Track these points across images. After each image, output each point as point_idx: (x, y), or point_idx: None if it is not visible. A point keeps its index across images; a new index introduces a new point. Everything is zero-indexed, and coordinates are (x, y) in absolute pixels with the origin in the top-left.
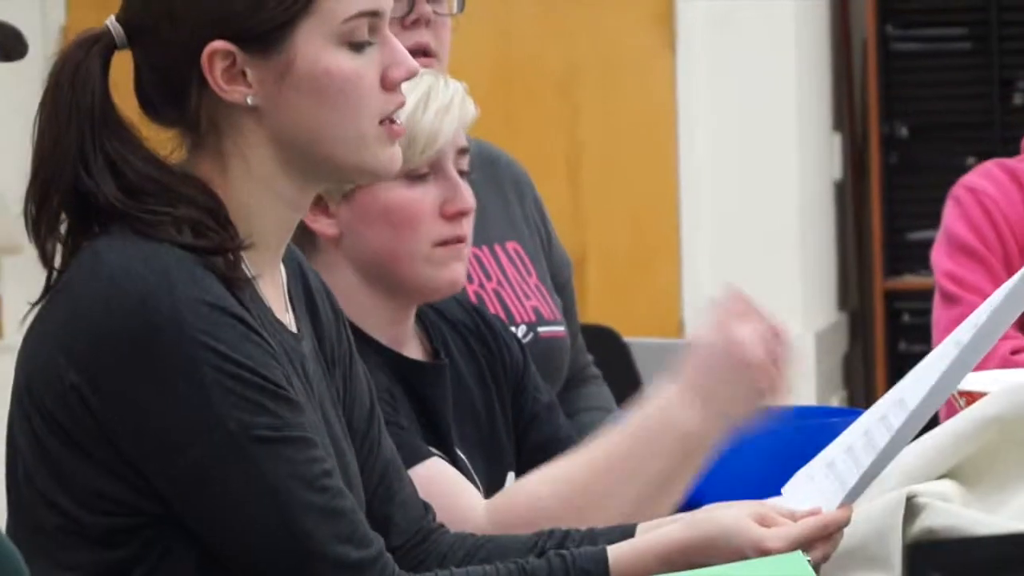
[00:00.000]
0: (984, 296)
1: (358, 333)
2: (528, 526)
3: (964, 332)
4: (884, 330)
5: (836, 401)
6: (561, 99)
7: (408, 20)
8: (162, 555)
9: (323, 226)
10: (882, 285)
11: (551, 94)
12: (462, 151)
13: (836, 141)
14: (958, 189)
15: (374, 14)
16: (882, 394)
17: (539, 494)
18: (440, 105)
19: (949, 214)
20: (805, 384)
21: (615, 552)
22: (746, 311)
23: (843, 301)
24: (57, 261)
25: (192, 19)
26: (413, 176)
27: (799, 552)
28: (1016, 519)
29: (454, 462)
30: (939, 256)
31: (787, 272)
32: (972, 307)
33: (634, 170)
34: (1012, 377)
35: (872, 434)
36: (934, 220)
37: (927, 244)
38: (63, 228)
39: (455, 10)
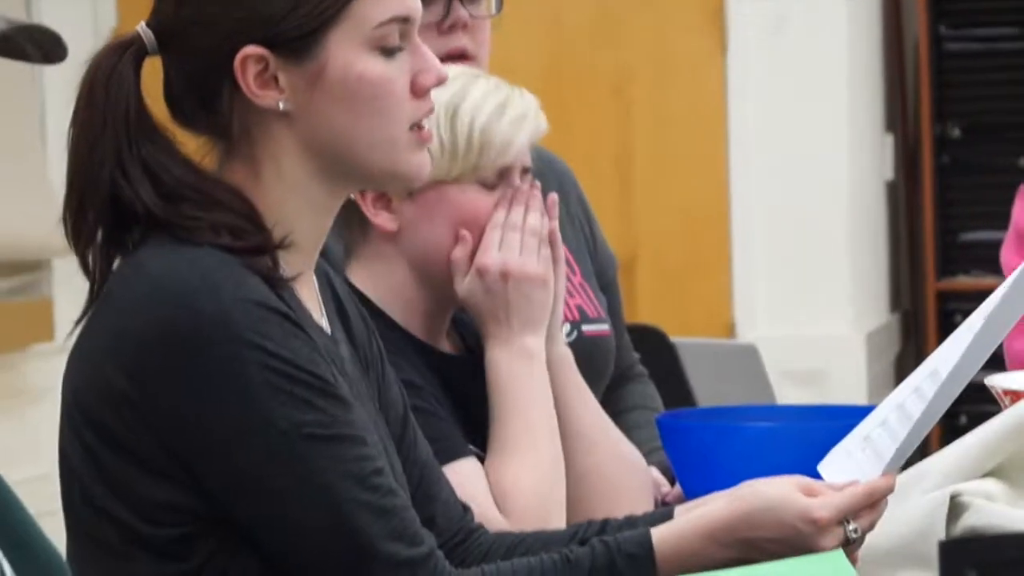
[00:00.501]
0: None
1: (397, 329)
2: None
3: (991, 303)
4: (936, 331)
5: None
6: (613, 101)
7: (445, 25)
8: (225, 565)
9: (384, 220)
10: (934, 286)
11: (603, 96)
12: (526, 170)
13: (888, 142)
14: None
15: (405, 20)
16: None
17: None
18: (516, 115)
19: (1018, 210)
20: (856, 385)
21: (658, 534)
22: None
23: (895, 302)
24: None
25: (225, 24)
26: (485, 183)
27: (840, 551)
28: None
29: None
30: (1007, 251)
31: (838, 273)
32: None
33: (685, 171)
34: None
35: (906, 406)
36: (987, 221)
37: (980, 245)
38: (100, 235)
39: (492, 11)
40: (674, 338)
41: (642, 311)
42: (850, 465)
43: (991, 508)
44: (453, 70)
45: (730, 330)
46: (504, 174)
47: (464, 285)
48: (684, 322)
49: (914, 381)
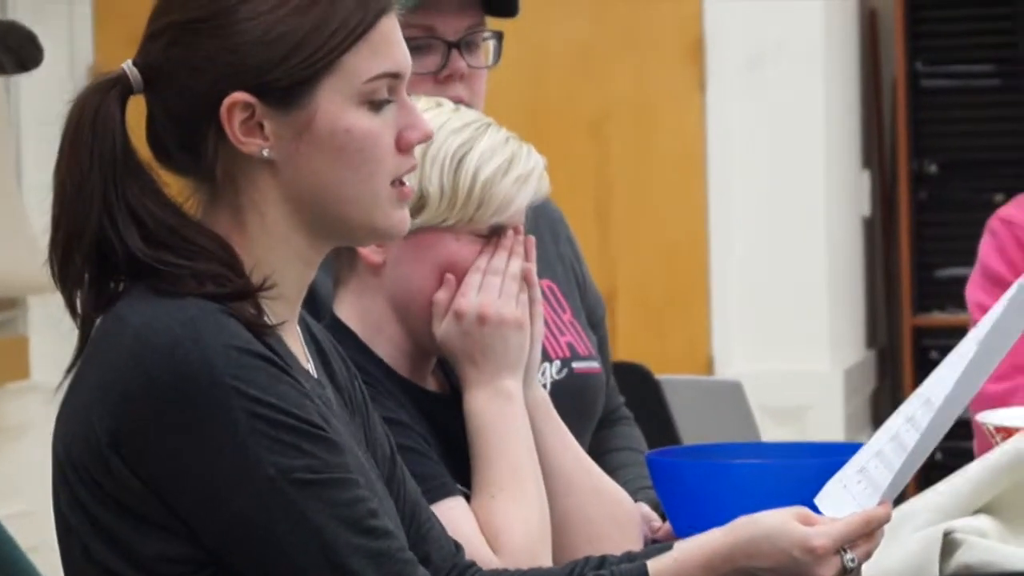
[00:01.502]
0: None
1: (382, 366)
2: None
3: (983, 327)
4: (912, 367)
5: (865, 439)
6: (592, 139)
7: (442, 75)
8: None
9: (370, 252)
10: (911, 322)
11: (582, 132)
12: (517, 231)
13: (865, 178)
14: (993, 221)
15: (395, 76)
16: None
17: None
18: (520, 174)
19: (984, 246)
20: (834, 421)
21: (655, 566)
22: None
23: (871, 338)
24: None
25: (215, 69)
26: (476, 235)
27: None
28: None
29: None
30: (973, 289)
31: (816, 309)
32: None
33: (664, 208)
34: None
35: (901, 436)
36: (963, 257)
37: (956, 281)
38: (87, 278)
39: (490, 62)
40: (658, 375)
41: (621, 347)
42: (846, 497)
43: (985, 545)
44: (466, 116)
45: (709, 367)
46: (497, 229)
47: (442, 328)
48: (663, 359)
49: (907, 410)
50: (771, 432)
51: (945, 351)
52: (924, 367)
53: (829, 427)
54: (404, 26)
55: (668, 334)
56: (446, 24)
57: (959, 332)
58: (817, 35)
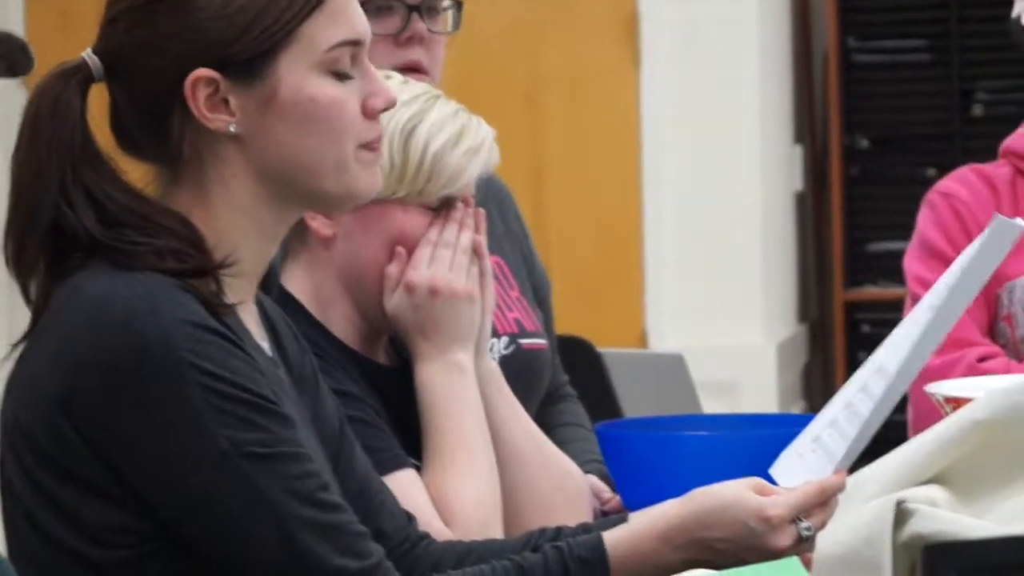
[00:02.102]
0: None
1: (333, 339)
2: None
3: (937, 295)
4: (844, 341)
5: (797, 412)
6: (526, 112)
7: (402, 37)
8: None
9: (320, 225)
10: (842, 296)
11: (516, 105)
12: (467, 203)
13: (797, 153)
14: (932, 194)
15: (356, 43)
16: None
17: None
18: (470, 146)
19: (922, 219)
20: (767, 395)
21: (611, 537)
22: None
23: (803, 313)
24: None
25: (175, 48)
26: (427, 206)
27: (795, 558)
28: (1005, 523)
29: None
30: (911, 260)
31: (749, 283)
32: None
33: (598, 183)
34: (996, 383)
35: (855, 405)
36: (894, 231)
37: (888, 255)
38: (42, 264)
39: (449, 28)
40: (601, 348)
41: (556, 321)
42: (801, 467)
43: (937, 514)
44: (415, 88)
45: (643, 341)
46: (448, 201)
47: (392, 301)
48: (597, 333)
49: (860, 379)
50: (705, 406)
51: (876, 325)
52: (856, 341)
53: (762, 401)
54: None
55: (602, 308)
56: None
57: (890, 306)
58: (750, 11)
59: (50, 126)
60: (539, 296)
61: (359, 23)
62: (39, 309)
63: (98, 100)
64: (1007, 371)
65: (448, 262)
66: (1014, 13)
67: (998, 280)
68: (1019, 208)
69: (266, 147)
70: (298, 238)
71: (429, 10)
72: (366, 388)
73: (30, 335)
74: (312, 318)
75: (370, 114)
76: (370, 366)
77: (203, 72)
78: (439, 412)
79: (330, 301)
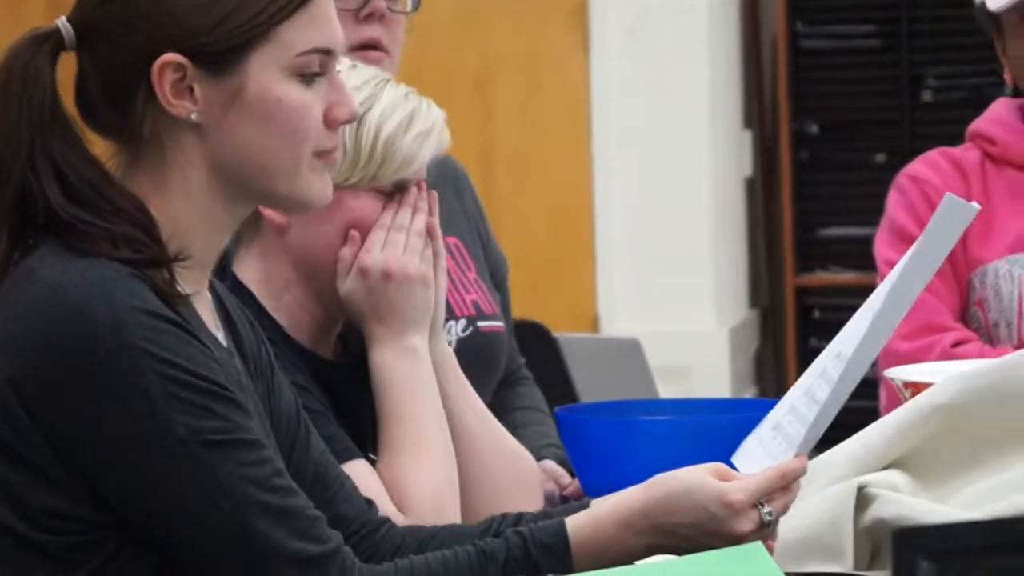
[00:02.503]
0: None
1: (280, 332)
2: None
3: (891, 278)
4: (795, 326)
5: (749, 397)
6: (475, 95)
7: (362, 14)
8: (120, 568)
9: (274, 213)
10: (793, 281)
11: (465, 90)
12: (420, 187)
13: (746, 138)
14: (902, 178)
15: (327, 52)
16: None
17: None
18: (421, 130)
19: (892, 203)
20: (719, 380)
21: (573, 523)
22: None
23: (754, 298)
24: None
25: (149, 28)
26: (380, 191)
27: (759, 543)
28: (966, 508)
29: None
30: (881, 245)
31: (700, 269)
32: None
33: (548, 167)
34: (956, 368)
35: (814, 391)
36: (844, 216)
37: (838, 241)
38: (4, 232)
39: (409, 8)
40: (556, 333)
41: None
42: (762, 454)
43: (898, 499)
44: (364, 73)
45: (595, 326)
46: (400, 185)
47: (347, 285)
48: (549, 317)
49: (819, 365)
50: (658, 391)
51: (827, 310)
52: (807, 326)
53: (715, 386)
54: None
55: (553, 293)
56: None
57: (841, 291)
58: None
59: (21, 89)
60: (496, 277)
61: (335, 31)
62: None
63: (67, 71)
64: (981, 356)
65: (402, 245)
66: None
67: (970, 265)
68: (988, 191)
69: (225, 141)
70: (251, 226)
71: None
72: (311, 382)
73: None
74: (261, 307)
75: (331, 124)
76: (316, 360)
77: (172, 57)
78: (394, 397)
79: (283, 289)
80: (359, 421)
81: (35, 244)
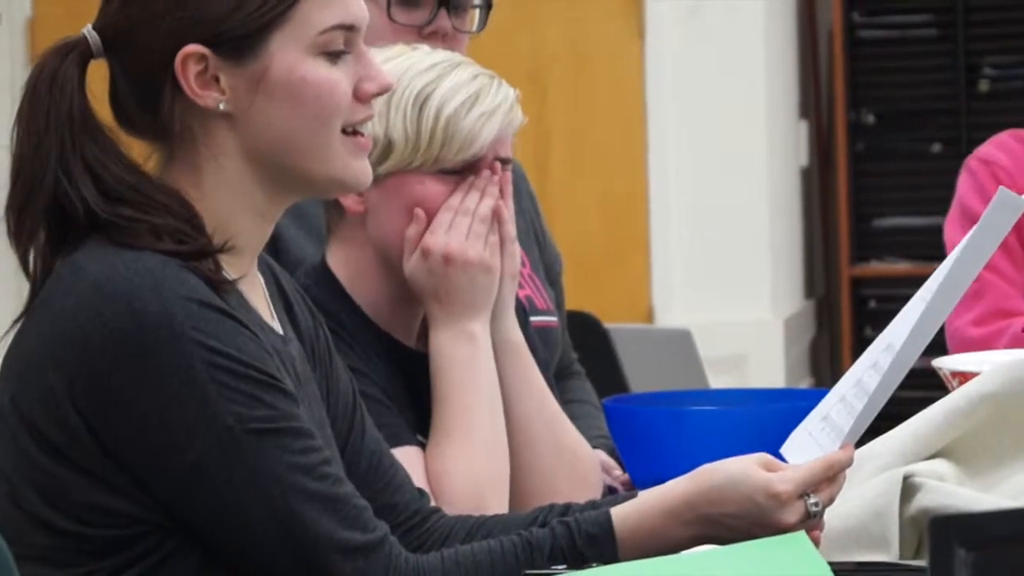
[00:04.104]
0: (997, 270)
1: (359, 314)
2: None
3: (940, 271)
4: (851, 317)
5: (804, 387)
6: (530, 85)
7: (426, 31)
8: (161, 561)
9: (352, 202)
10: (848, 272)
11: (519, 80)
12: (503, 161)
13: (803, 128)
14: (972, 161)
15: (350, 27)
16: None
17: None
18: (485, 110)
19: (963, 185)
20: (774, 370)
21: (619, 513)
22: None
23: (810, 288)
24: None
25: (167, 23)
26: (446, 172)
27: (803, 532)
28: (1012, 498)
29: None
30: (951, 227)
31: (756, 259)
32: (984, 281)
33: (603, 158)
34: (1003, 357)
35: (864, 382)
36: (900, 207)
37: (893, 231)
38: (42, 236)
39: (475, 28)
40: (608, 324)
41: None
42: (811, 445)
43: (943, 488)
44: (436, 56)
45: (649, 316)
46: (470, 166)
47: (410, 264)
48: (603, 308)
49: (870, 357)
50: (713, 381)
51: (883, 300)
52: (862, 316)
53: (770, 376)
54: None
55: (608, 284)
56: None
57: (896, 282)
58: None
59: (48, 98)
60: (551, 274)
61: (354, 7)
62: (38, 285)
63: (102, 79)
64: None
65: (465, 229)
66: None
67: None
68: None
69: (256, 126)
70: (335, 215)
71: (457, 7)
72: (389, 367)
73: (28, 311)
74: (343, 292)
75: (363, 97)
76: (394, 345)
77: (193, 48)
78: (446, 382)
79: (364, 275)
80: (426, 409)
81: (80, 242)
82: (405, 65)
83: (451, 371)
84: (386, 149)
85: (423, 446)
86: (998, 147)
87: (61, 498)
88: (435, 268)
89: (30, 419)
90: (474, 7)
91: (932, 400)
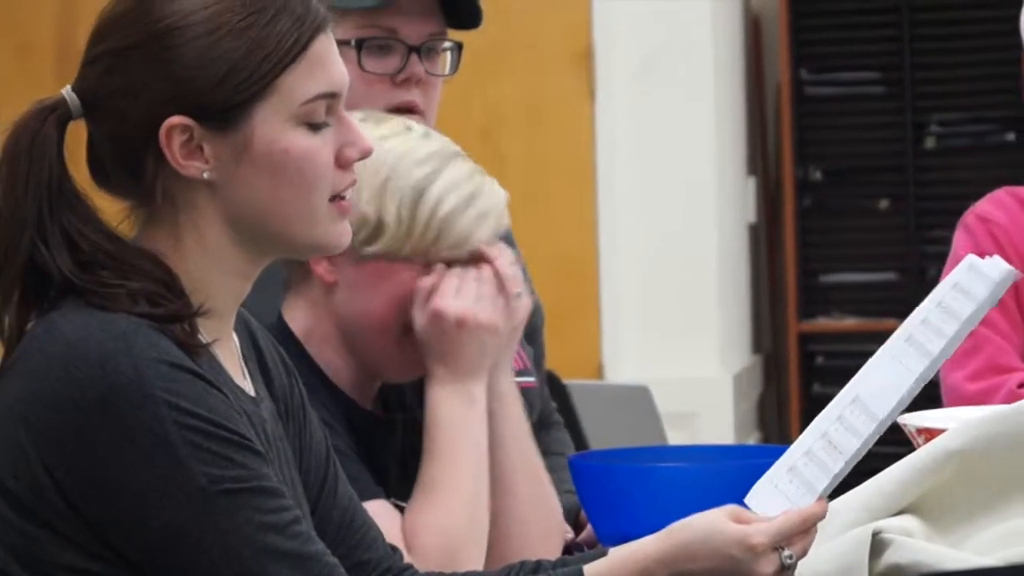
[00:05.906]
0: (992, 326)
1: (321, 376)
2: None
3: (912, 326)
4: (798, 372)
5: (752, 443)
6: (483, 147)
7: (399, 78)
8: None
9: (324, 270)
10: (796, 328)
11: (473, 139)
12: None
13: (751, 185)
14: (969, 217)
15: (333, 95)
16: (797, 436)
17: None
18: (481, 210)
19: (959, 241)
20: (723, 426)
21: (591, 571)
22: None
23: (757, 344)
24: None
25: (152, 93)
26: (429, 265)
27: None
28: (982, 553)
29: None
30: None
31: (705, 315)
32: (980, 336)
33: (554, 215)
34: (969, 413)
35: (831, 435)
36: (848, 263)
37: (841, 287)
38: (16, 297)
39: (447, 71)
40: (566, 380)
41: None
42: (777, 497)
43: (913, 544)
44: (432, 144)
45: (599, 373)
46: (453, 263)
47: (420, 323)
48: (553, 365)
49: (835, 411)
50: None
51: (830, 356)
52: (810, 372)
53: (719, 432)
54: (368, 26)
55: (558, 341)
56: (409, 28)
57: (844, 337)
58: (704, 43)
59: (27, 163)
60: (530, 327)
61: (337, 74)
62: (11, 345)
63: (76, 137)
64: None
65: (475, 293)
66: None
67: None
68: None
69: (238, 195)
70: (300, 275)
71: (429, 51)
72: (340, 422)
73: (1, 369)
74: (305, 353)
75: (344, 164)
76: (354, 409)
77: (178, 119)
78: (439, 439)
79: (323, 342)
80: (383, 471)
81: (57, 301)
82: (402, 150)
83: (447, 429)
84: (376, 230)
85: (394, 505)
86: (995, 204)
87: (33, 558)
88: (448, 332)
89: (1, 478)
90: (444, 50)
91: (900, 456)
